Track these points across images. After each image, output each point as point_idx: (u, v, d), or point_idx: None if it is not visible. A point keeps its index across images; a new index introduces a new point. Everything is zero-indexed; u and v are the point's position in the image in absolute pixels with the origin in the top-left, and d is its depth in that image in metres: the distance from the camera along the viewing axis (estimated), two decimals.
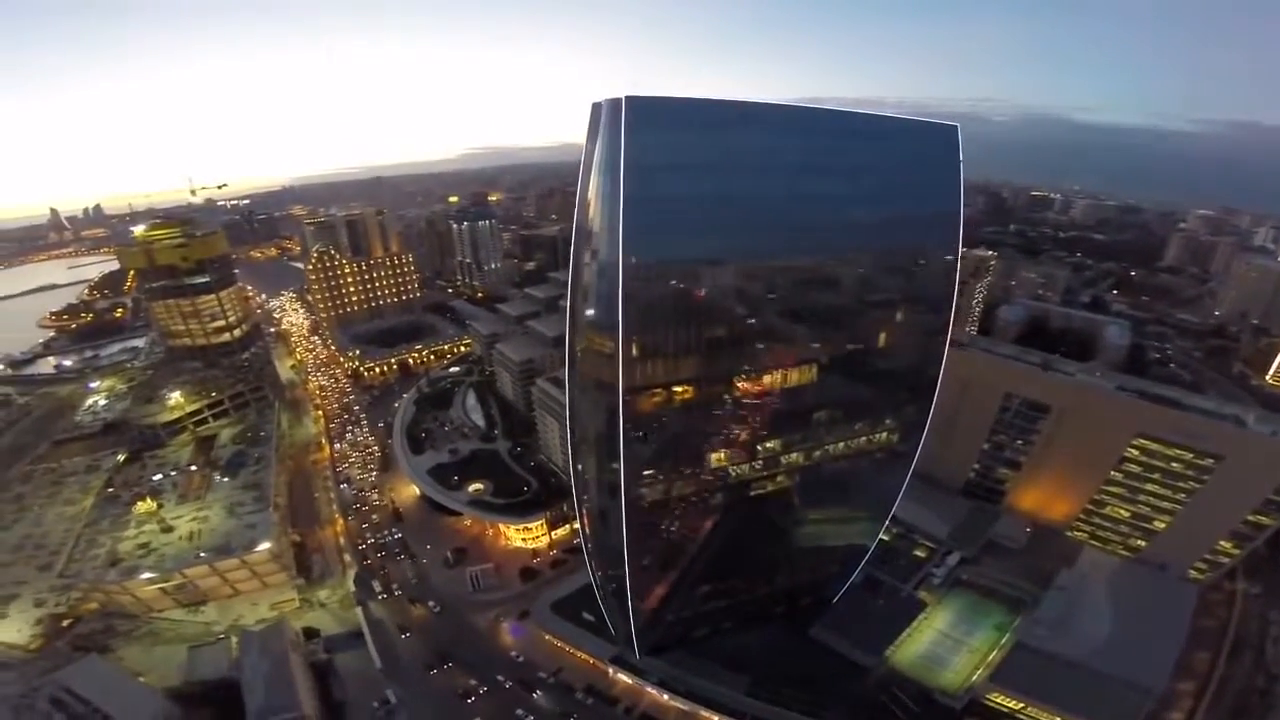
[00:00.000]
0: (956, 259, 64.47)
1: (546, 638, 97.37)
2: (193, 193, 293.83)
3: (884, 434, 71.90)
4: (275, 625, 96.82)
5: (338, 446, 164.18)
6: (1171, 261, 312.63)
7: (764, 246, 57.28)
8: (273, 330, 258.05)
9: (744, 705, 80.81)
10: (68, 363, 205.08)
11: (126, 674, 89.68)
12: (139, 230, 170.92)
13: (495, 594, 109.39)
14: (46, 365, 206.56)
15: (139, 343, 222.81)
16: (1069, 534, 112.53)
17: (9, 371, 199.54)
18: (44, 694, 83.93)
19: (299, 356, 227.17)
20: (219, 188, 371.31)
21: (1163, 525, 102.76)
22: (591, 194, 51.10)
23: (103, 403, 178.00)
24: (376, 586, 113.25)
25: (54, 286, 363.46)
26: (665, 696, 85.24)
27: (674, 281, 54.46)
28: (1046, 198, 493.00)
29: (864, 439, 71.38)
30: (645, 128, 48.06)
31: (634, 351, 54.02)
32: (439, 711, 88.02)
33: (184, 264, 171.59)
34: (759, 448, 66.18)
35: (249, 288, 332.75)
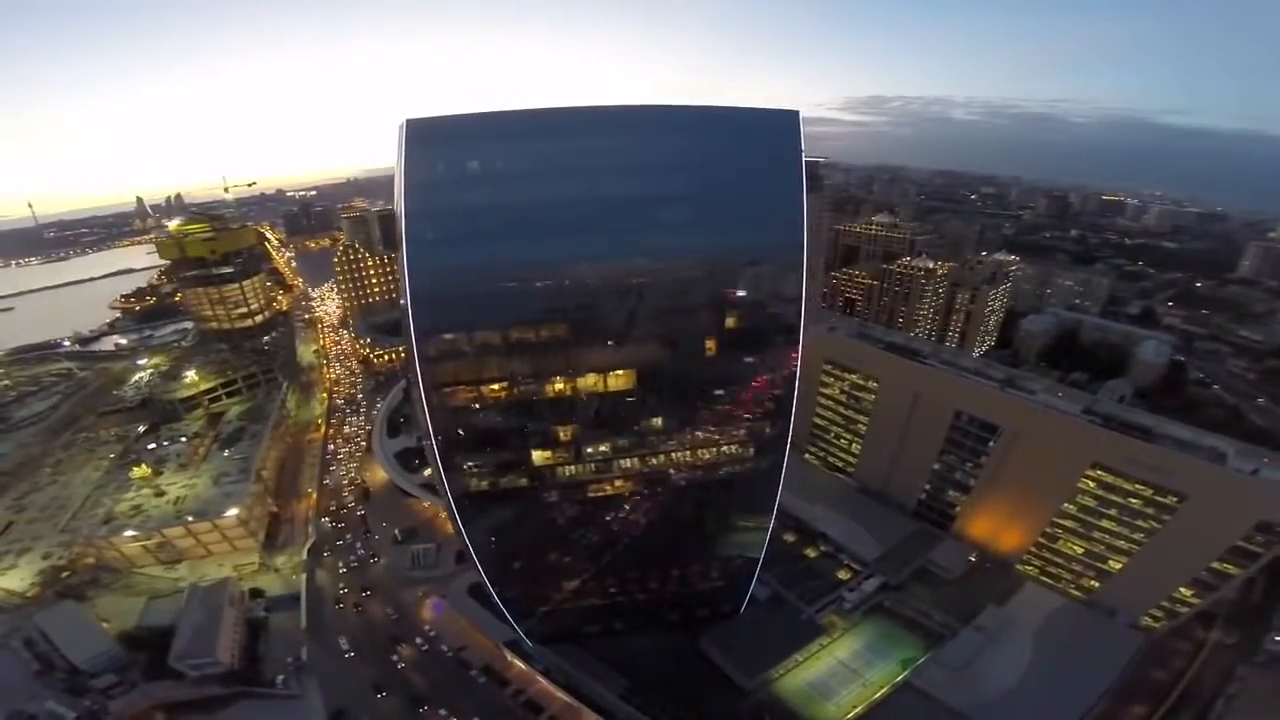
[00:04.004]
0: (801, 258, 60.99)
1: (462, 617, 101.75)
2: (225, 190, 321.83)
3: (735, 446, 70.06)
4: (219, 582, 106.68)
5: (338, 428, 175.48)
6: (1246, 273, 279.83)
7: (565, 252, 57.45)
8: (306, 317, 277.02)
9: (614, 707, 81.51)
10: (124, 341, 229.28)
11: (90, 619, 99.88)
12: (173, 224, 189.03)
13: (431, 572, 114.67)
14: (109, 343, 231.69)
15: (189, 325, 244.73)
16: (1019, 567, 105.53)
17: (76, 347, 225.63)
18: (20, 634, 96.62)
19: (321, 342, 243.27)
20: (249, 185, 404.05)
21: (1118, 566, 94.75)
22: (397, 208, 54.21)
23: (146, 379, 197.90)
24: (327, 555, 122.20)
25: (130, 271, 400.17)
26: (553, 687, 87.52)
27: (464, 289, 56.26)
28: (1119, 202, 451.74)
29: (710, 450, 70.05)
30: (424, 147, 50.84)
31: (430, 351, 57.02)
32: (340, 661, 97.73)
33: (211, 256, 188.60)
34: (584, 450, 66.91)
35: (300, 278, 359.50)
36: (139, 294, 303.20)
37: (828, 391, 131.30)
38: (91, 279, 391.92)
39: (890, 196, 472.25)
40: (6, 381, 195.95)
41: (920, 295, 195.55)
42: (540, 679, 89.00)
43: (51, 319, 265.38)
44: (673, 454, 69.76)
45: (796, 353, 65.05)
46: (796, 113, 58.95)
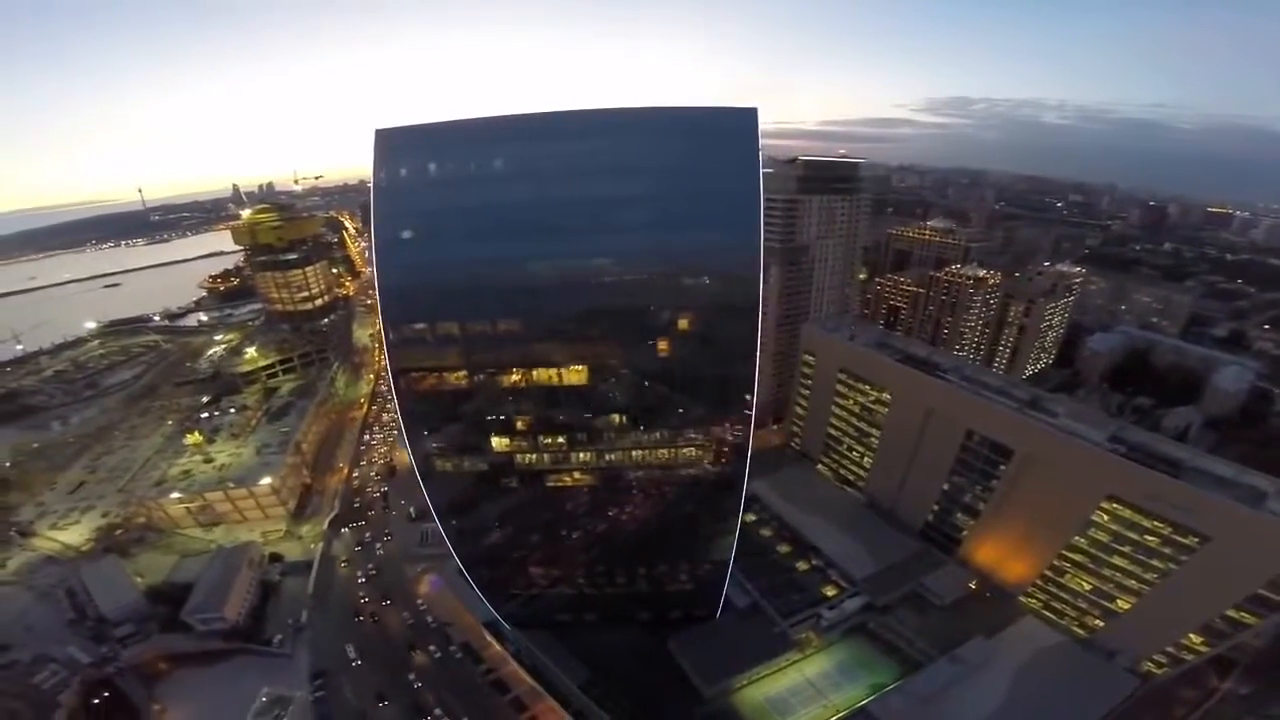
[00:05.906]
0: (759, 258, 59.85)
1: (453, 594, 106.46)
2: (295, 181, 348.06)
3: (692, 450, 69.93)
4: (242, 545, 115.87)
5: (377, 415, 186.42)
6: None
7: (521, 252, 59.33)
8: (368, 302, 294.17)
9: (573, 696, 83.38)
10: (205, 318, 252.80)
11: (125, 573, 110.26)
12: (246, 213, 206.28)
13: (438, 549, 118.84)
14: (193, 319, 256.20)
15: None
16: (1023, 599, 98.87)
17: (165, 322, 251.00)
18: (64, 585, 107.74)
19: (378, 327, 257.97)
20: (316, 178, 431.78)
21: (1126, 606, 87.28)
22: (370, 211, 59.05)
23: (220, 353, 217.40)
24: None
25: (220, 254, 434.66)
26: (521, 670, 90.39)
27: (427, 286, 60.23)
28: (1225, 215, 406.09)
29: (666, 450, 70.36)
30: (394, 154, 55.60)
31: (397, 339, 62.11)
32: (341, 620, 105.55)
33: (279, 242, 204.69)
34: (540, 441, 69.21)
35: (369, 265, 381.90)
36: (224, 275, 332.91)
37: (843, 402, 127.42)
38: (187, 260, 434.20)
39: (965, 201, 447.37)
40: (101, 351, 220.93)
41: (968, 306, 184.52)
42: (511, 661, 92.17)
43: (150, 295, 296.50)
44: (629, 452, 70.85)
45: (754, 353, 63.93)
46: (754, 110, 58.31)
